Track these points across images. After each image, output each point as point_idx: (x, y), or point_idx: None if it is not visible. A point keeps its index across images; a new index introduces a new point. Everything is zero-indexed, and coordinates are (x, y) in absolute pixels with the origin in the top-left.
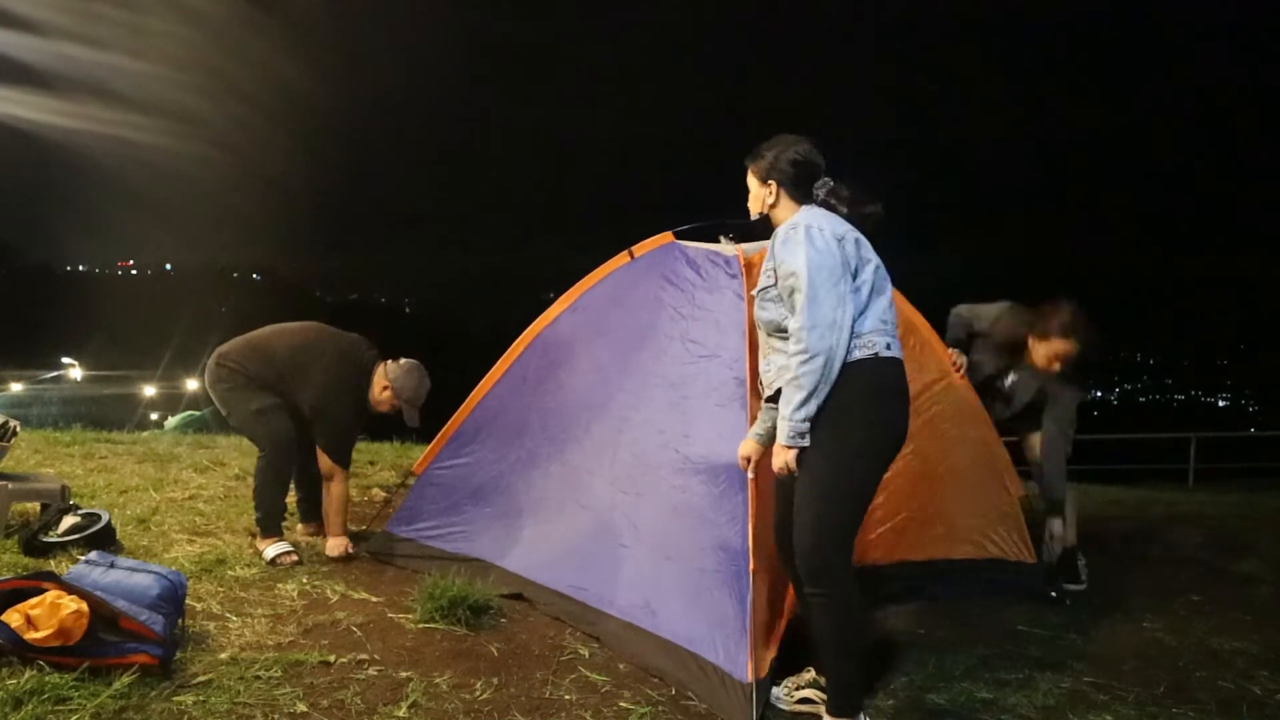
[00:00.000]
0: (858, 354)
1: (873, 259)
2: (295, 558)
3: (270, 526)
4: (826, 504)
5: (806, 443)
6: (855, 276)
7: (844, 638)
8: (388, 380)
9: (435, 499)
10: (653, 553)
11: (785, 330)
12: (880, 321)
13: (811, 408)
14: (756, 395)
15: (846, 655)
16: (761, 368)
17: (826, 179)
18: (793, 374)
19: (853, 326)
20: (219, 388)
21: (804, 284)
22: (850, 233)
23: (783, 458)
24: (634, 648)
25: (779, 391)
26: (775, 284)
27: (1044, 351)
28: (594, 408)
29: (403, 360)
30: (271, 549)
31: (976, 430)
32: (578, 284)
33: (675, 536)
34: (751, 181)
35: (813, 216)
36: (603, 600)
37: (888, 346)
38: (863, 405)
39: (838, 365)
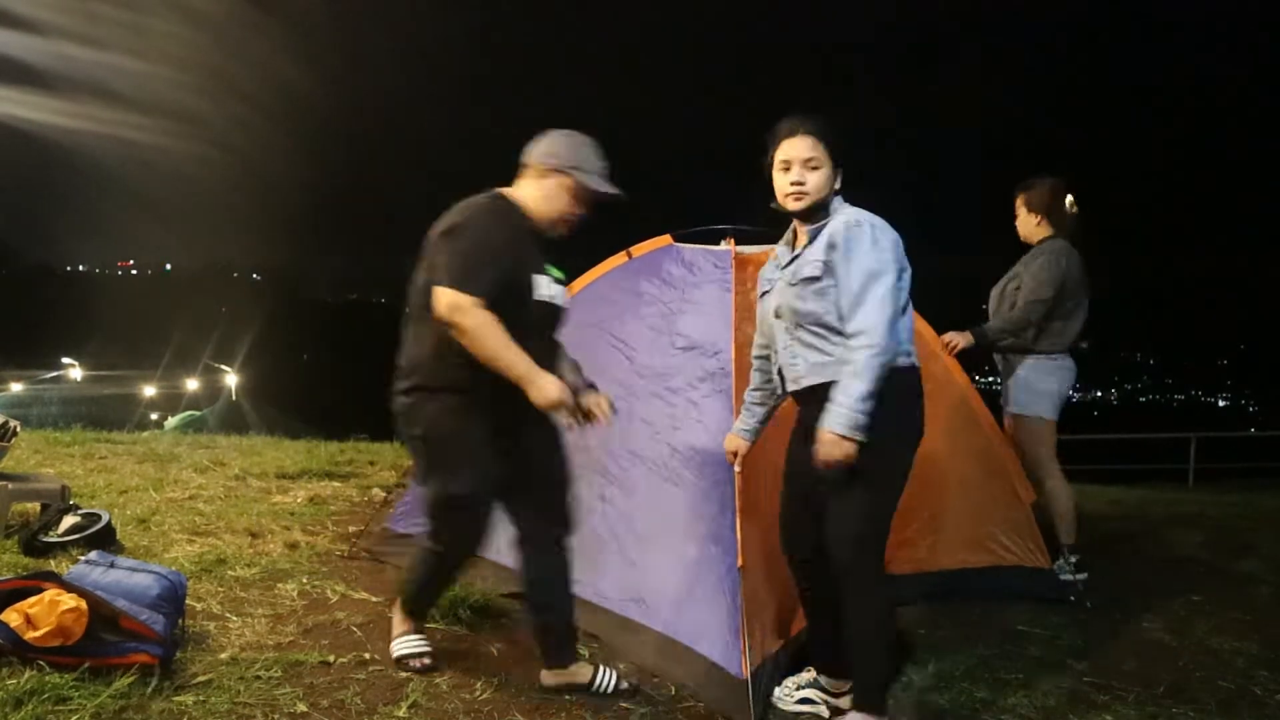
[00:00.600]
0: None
1: (909, 267)
2: (427, 661)
3: (417, 614)
4: (869, 500)
5: (864, 436)
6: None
7: (877, 633)
8: (543, 163)
9: None
10: (646, 546)
11: (825, 325)
12: (907, 329)
13: (872, 402)
14: (741, 385)
15: (878, 650)
16: (785, 360)
17: None
18: (859, 366)
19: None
20: (408, 430)
21: (877, 282)
22: (898, 237)
23: (842, 448)
24: (629, 644)
25: (811, 388)
26: (824, 277)
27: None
28: None
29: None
30: (404, 645)
31: (986, 438)
32: (573, 282)
33: (667, 530)
34: (824, 156)
35: (869, 215)
36: (598, 595)
37: (908, 354)
38: (897, 408)
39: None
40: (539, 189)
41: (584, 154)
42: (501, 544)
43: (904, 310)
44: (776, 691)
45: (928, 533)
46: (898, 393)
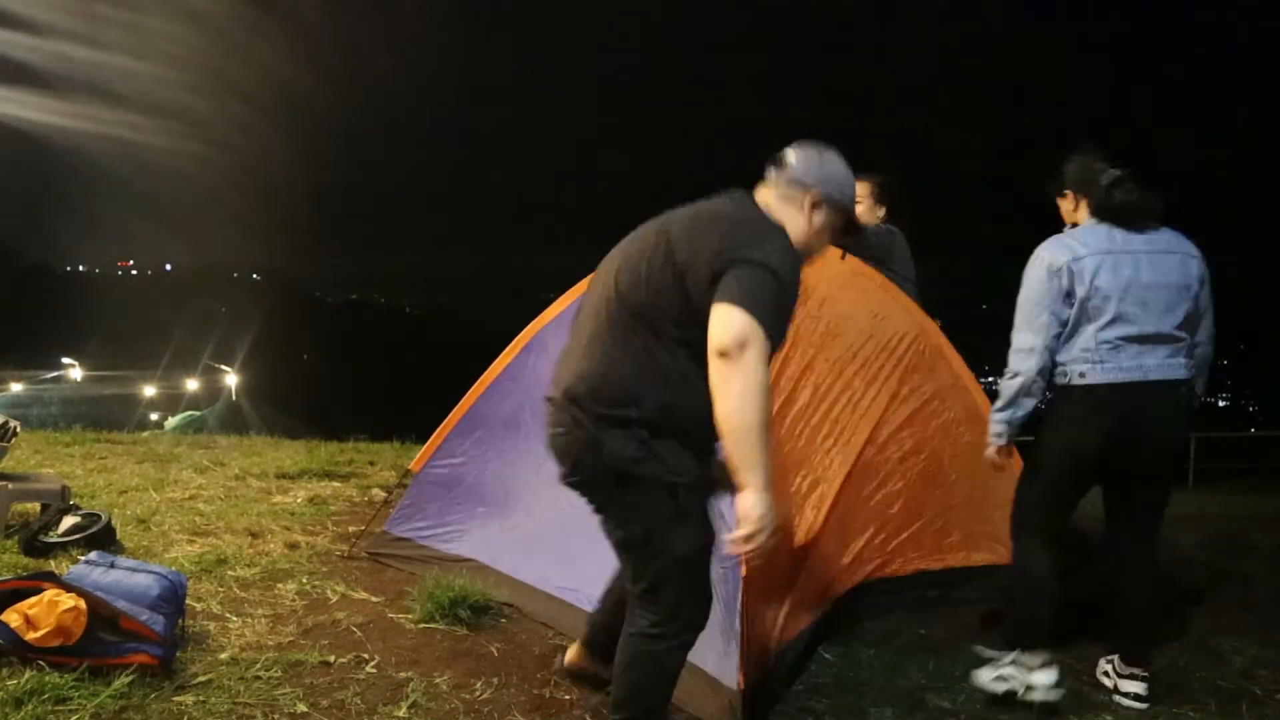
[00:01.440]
0: (1057, 380)
1: (1099, 284)
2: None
3: None
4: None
5: (1002, 441)
6: (1071, 301)
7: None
8: (817, 192)
9: (431, 498)
10: None
11: None
12: (1082, 350)
13: (1007, 414)
14: None
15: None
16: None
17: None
18: (1000, 387)
19: (1052, 353)
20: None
21: (1017, 312)
22: (1072, 260)
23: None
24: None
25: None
26: None
27: None
28: None
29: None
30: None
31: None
32: (577, 285)
33: None
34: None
35: (1050, 243)
36: (591, 601)
37: (1081, 375)
38: (1051, 424)
39: (1035, 385)
40: (807, 223)
41: (850, 185)
42: (494, 547)
43: (1071, 333)
44: (980, 676)
45: (932, 531)
46: (1049, 409)
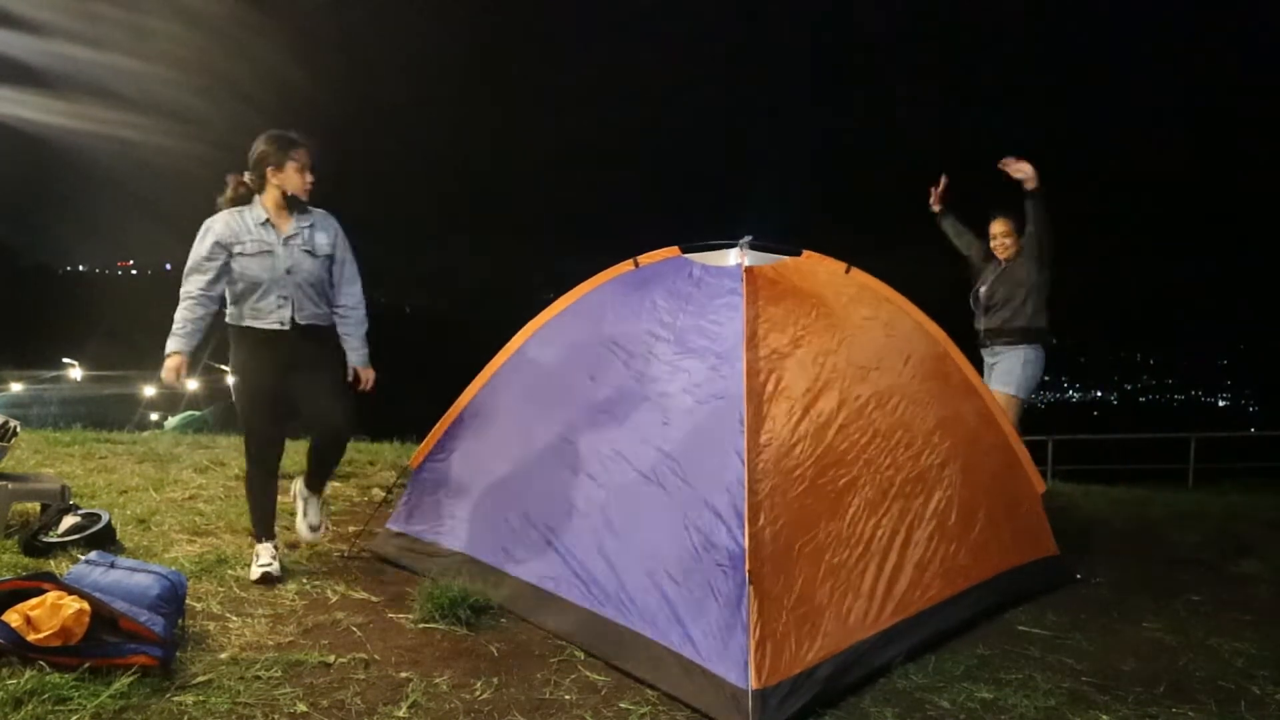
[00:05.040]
0: None
1: None
2: None
3: None
4: None
5: None
6: None
7: None
8: None
9: (427, 494)
10: (633, 550)
11: None
12: None
13: None
14: (753, 395)
15: None
16: None
17: None
18: None
19: None
20: None
21: None
22: None
23: None
24: (610, 648)
25: None
26: None
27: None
28: (578, 404)
29: None
30: None
31: (1001, 433)
32: (578, 286)
33: (657, 534)
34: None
35: None
36: (581, 596)
37: None
38: None
39: None
40: None
41: None
42: (484, 542)
43: None
44: None
45: (990, 534)
46: None
